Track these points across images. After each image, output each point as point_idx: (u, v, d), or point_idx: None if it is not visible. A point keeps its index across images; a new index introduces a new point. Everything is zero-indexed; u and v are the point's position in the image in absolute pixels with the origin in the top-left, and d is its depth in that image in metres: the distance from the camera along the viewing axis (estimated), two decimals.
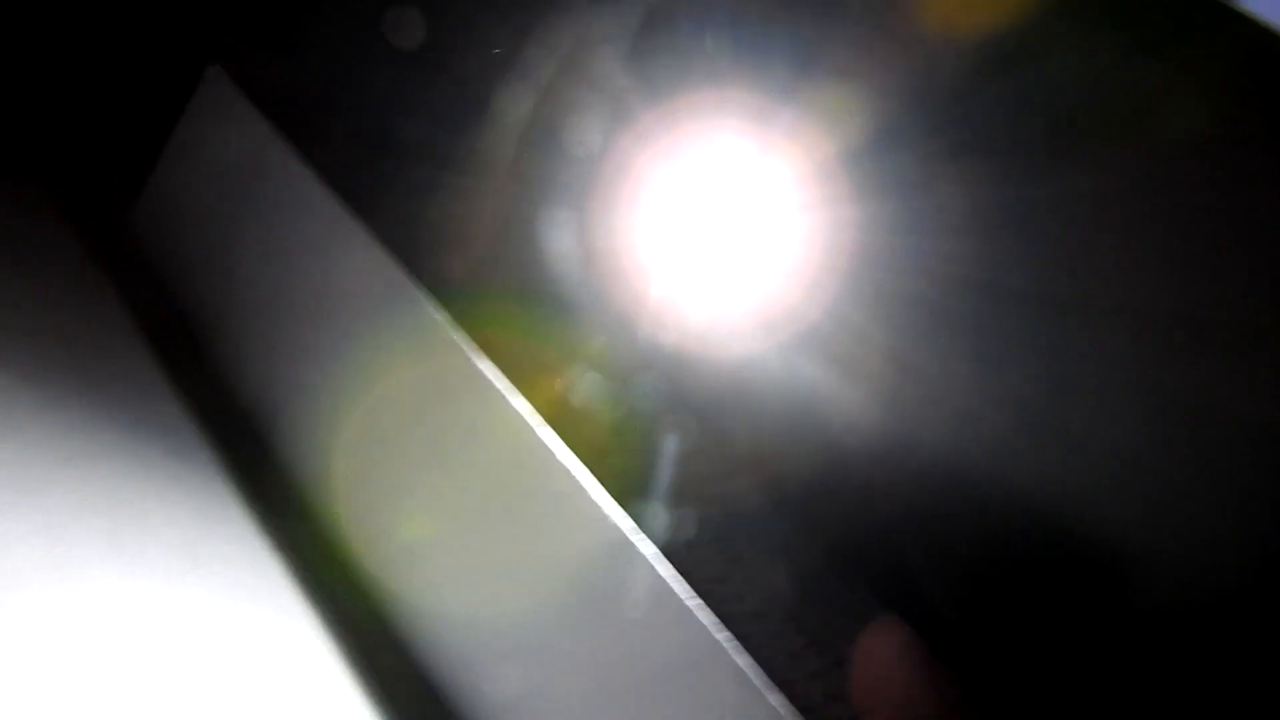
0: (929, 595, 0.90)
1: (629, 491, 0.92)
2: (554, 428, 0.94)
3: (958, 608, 0.88)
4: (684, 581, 0.83)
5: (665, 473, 1.01)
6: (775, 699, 0.75)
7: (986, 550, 0.88)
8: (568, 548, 0.89)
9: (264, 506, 1.10)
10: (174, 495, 1.05)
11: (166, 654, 0.84)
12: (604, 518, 0.86)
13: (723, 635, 0.78)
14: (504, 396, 0.95)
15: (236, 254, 1.27)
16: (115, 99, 1.40)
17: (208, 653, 0.86)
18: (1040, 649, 0.80)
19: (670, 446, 1.04)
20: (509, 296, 1.10)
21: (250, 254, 1.25)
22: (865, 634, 0.84)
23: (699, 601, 0.81)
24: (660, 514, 0.93)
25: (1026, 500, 0.85)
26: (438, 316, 1.01)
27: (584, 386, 1.04)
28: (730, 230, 1.02)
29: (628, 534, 0.84)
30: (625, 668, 0.84)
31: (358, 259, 1.10)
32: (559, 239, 1.09)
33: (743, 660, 0.77)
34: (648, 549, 0.84)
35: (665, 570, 0.83)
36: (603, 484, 0.90)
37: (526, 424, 0.93)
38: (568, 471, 0.89)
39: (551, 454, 0.90)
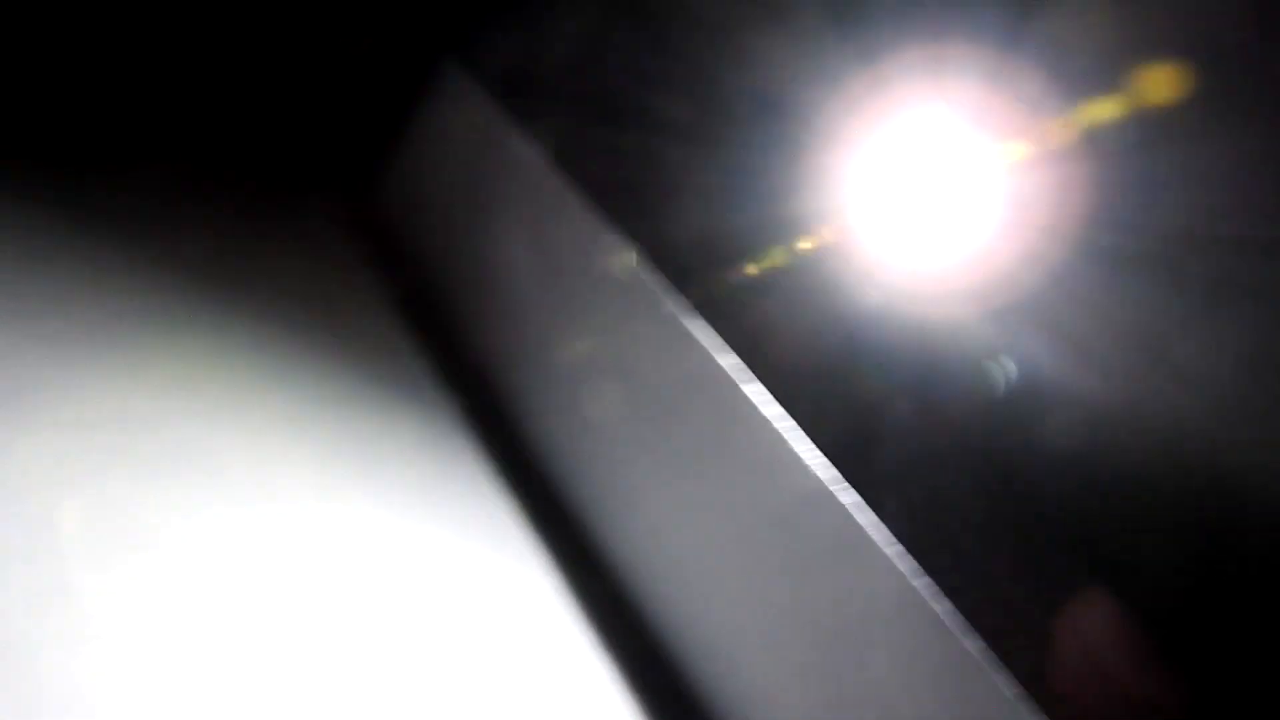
0: (1146, 574, 0.87)
1: (837, 450, 0.95)
2: (762, 383, 0.98)
3: (1177, 589, 0.84)
4: (884, 528, 0.84)
5: (875, 437, 1.03)
6: (972, 644, 0.75)
7: (1214, 530, 0.84)
8: (772, 496, 0.93)
9: (494, 454, 1.21)
10: (414, 440, 1.18)
11: (405, 578, 0.96)
12: (806, 468, 0.89)
13: (921, 581, 0.80)
14: (713, 355, 1.00)
15: (470, 226, 1.39)
16: (356, 90, 1.56)
17: (439, 580, 0.97)
18: (1261, 638, 0.76)
19: (881, 410, 1.05)
20: (725, 260, 1.15)
21: (481, 226, 1.37)
22: (1073, 609, 0.82)
23: (899, 549, 0.83)
24: (870, 475, 0.95)
25: (1265, 479, 0.81)
26: (653, 281, 1.08)
27: (795, 347, 1.07)
28: (946, 192, 1.01)
29: (828, 484, 0.87)
30: (823, 610, 0.87)
31: (578, 228, 1.18)
32: (775, 203, 1.12)
33: (941, 606, 0.78)
34: (848, 499, 0.87)
35: (865, 519, 0.85)
36: (810, 439, 0.93)
37: (733, 380, 0.97)
38: (771, 425, 0.93)
39: (756, 408, 0.94)
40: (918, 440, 1.01)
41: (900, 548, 0.84)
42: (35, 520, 0.75)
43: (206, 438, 0.97)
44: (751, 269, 1.11)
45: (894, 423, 1.02)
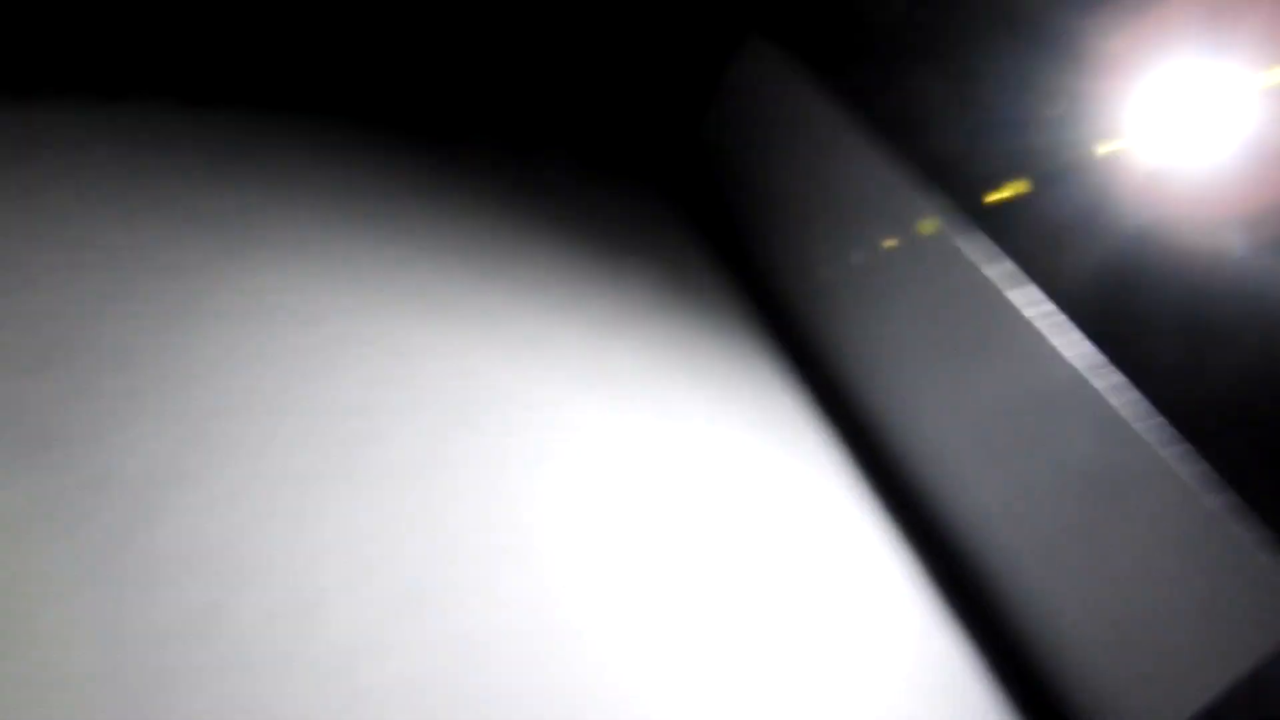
0: None
1: (1102, 341, 1.09)
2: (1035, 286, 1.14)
3: None
4: (1138, 407, 1.01)
5: (1138, 334, 1.14)
6: (1211, 500, 0.91)
7: None
8: (1037, 383, 1.11)
9: (792, 366, 1.43)
10: (719, 351, 1.43)
11: (712, 473, 1.18)
12: (1063, 358, 1.07)
13: (1169, 450, 0.96)
14: (978, 266, 1.18)
15: (769, 163, 1.61)
16: (677, 58, 1.78)
17: (742, 477, 1.19)
18: None
19: (1147, 316, 1.14)
20: (1005, 178, 1.27)
21: (778, 161, 1.58)
22: None
23: (1151, 423, 0.99)
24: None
25: None
26: (925, 200, 1.27)
27: (1067, 267, 1.21)
28: (1222, 116, 1.03)
29: (1083, 372, 1.04)
30: (1084, 477, 1.05)
31: (864, 162, 1.37)
32: (1051, 128, 1.22)
33: (1186, 470, 0.94)
34: (1101, 383, 1.04)
35: (1118, 400, 1.02)
36: (1075, 329, 1.08)
37: (997, 288, 1.15)
38: (1032, 322, 1.10)
39: (1019, 312, 1.12)
40: (1182, 340, 1.10)
41: (1152, 422, 1.00)
42: (490, 433, 1.04)
43: (561, 350, 1.25)
44: (1029, 186, 1.23)
45: (1157, 322, 1.11)
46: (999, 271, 1.19)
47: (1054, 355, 1.08)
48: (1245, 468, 0.99)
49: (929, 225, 1.27)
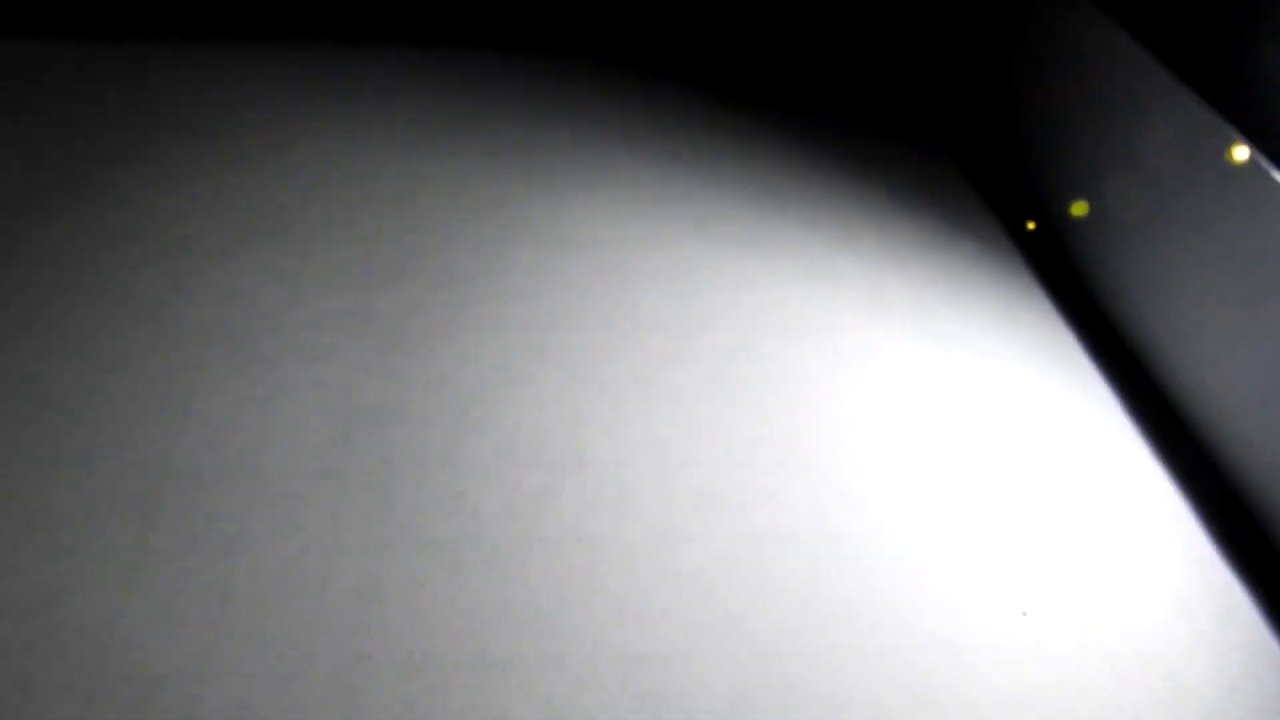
0: None
1: None
2: None
3: None
4: None
5: None
6: None
7: None
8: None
9: (1058, 296, 1.39)
10: (981, 286, 1.40)
11: (981, 399, 1.18)
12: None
13: None
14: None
15: (1057, 103, 1.54)
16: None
17: (1011, 404, 1.18)
18: None
19: None
20: None
21: (1061, 103, 1.51)
22: None
23: None
24: None
25: None
26: (1233, 131, 1.17)
27: None
28: None
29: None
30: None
31: (1159, 102, 1.29)
32: None
33: None
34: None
35: None
36: None
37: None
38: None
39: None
40: None
41: None
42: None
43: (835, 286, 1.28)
44: None
45: None
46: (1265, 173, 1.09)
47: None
48: None
49: (1237, 155, 1.18)
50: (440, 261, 1.14)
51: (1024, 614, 0.84)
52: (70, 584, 0.77)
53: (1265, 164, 1.09)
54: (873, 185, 1.46)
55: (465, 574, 0.80)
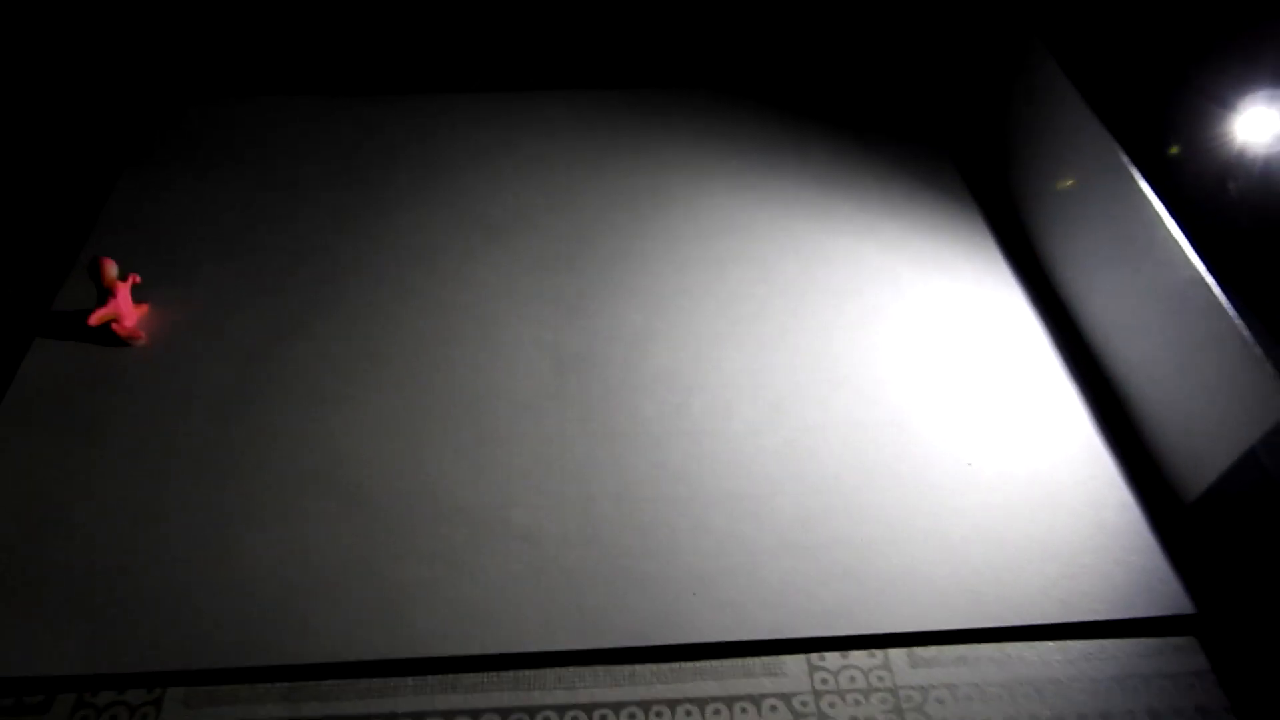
0: None
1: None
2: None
3: None
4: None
5: None
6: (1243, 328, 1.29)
7: None
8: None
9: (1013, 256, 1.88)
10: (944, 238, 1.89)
11: (927, 314, 1.68)
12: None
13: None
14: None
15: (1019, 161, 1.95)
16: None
17: (940, 302, 1.67)
18: None
19: None
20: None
21: (1028, 166, 1.92)
22: None
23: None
24: None
25: None
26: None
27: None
28: None
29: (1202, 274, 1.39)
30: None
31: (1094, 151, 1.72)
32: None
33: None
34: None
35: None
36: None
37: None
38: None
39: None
40: None
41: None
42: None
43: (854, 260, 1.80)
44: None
45: None
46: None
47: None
48: None
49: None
50: (604, 252, 1.73)
51: (969, 464, 1.40)
52: (426, 461, 1.40)
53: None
54: (880, 184, 1.97)
55: (639, 452, 1.41)
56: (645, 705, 1.12)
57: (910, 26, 2.24)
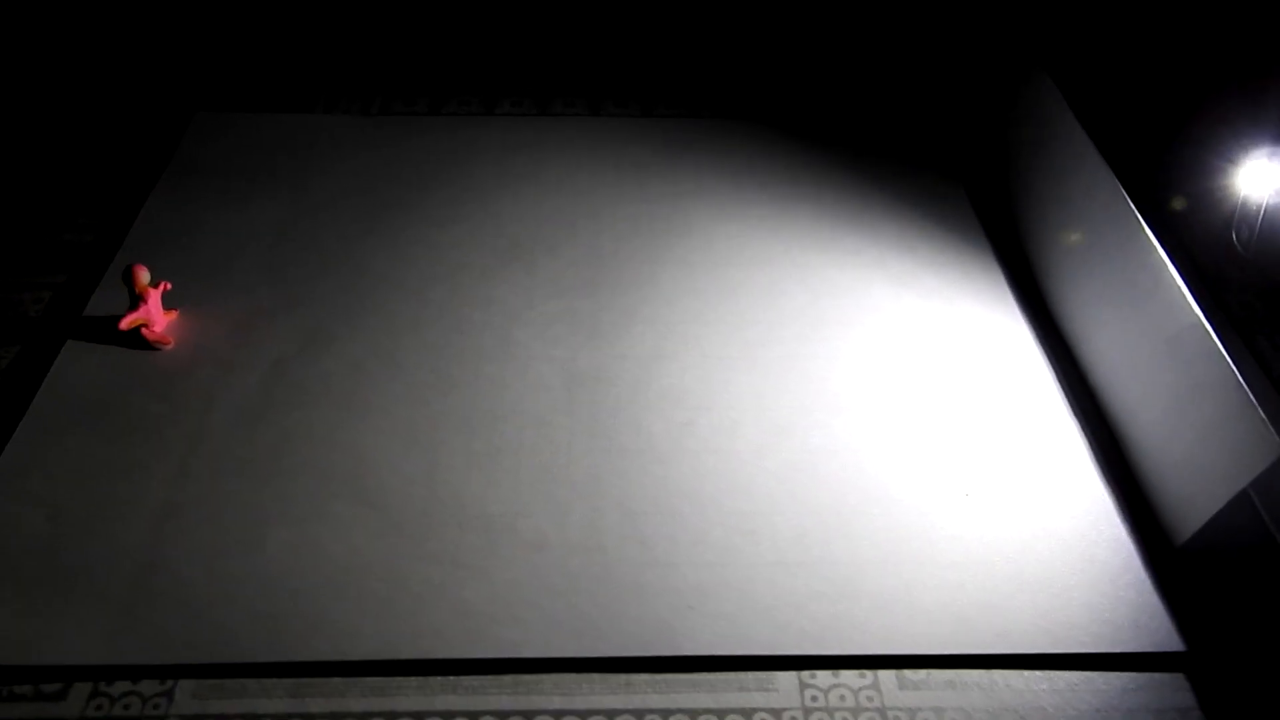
0: None
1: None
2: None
3: None
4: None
5: None
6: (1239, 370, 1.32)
7: None
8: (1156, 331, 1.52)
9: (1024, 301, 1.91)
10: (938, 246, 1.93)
11: (931, 346, 1.71)
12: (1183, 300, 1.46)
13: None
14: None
15: (1025, 186, 1.98)
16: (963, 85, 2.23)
17: (945, 334, 1.70)
18: None
19: None
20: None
21: (1031, 191, 1.97)
22: None
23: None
24: None
25: None
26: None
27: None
28: None
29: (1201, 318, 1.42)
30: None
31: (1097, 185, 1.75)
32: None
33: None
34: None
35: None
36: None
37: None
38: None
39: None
40: None
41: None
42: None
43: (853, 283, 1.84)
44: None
45: None
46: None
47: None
48: None
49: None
50: (620, 276, 1.79)
51: (966, 495, 1.43)
52: (440, 469, 1.45)
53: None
54: (888, 200, 2.01)
55: (645, 467, 1.45)
56: (639, 714, 1.15)
57: (932, 63, 2.30)
